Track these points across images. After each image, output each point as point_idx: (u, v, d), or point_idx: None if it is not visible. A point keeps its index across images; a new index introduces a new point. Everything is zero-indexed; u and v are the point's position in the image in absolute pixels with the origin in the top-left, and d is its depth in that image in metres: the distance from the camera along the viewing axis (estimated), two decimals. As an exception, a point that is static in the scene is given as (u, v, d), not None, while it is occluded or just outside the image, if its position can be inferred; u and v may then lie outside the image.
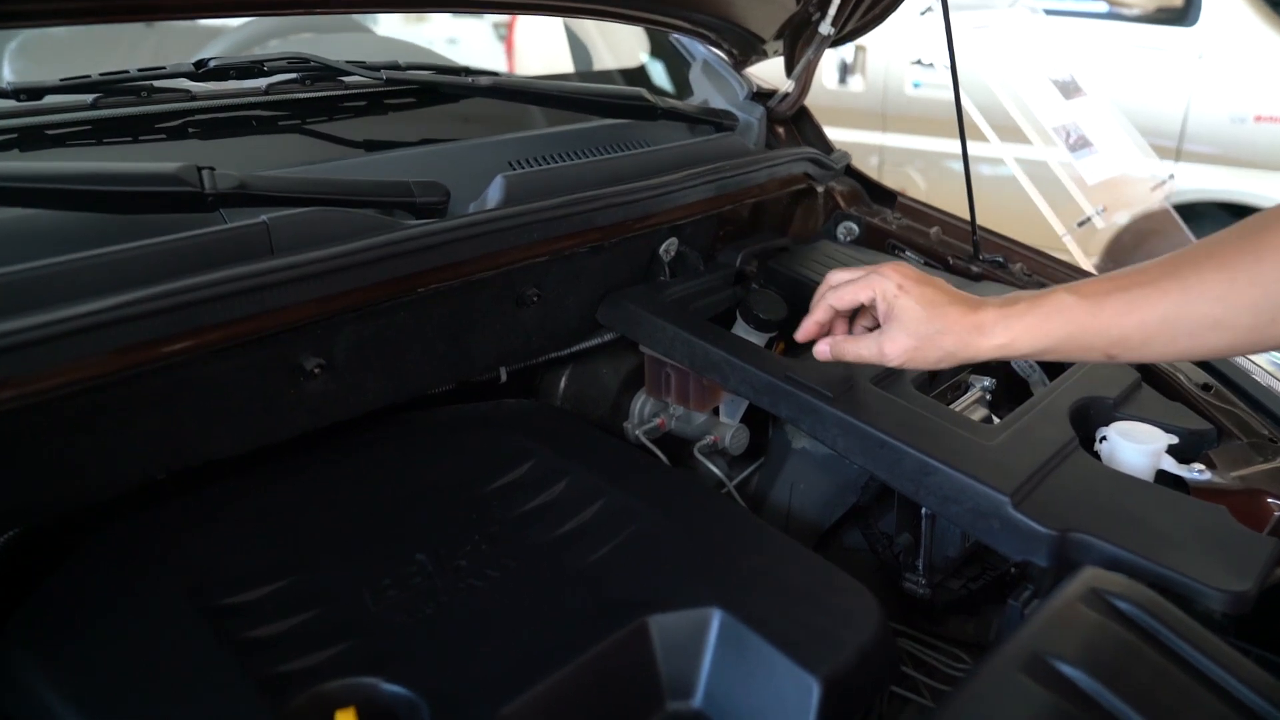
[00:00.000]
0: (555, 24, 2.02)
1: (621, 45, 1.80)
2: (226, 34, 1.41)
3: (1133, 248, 2.54)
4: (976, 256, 1.20)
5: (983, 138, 1.90)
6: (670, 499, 0.73)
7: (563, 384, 1.01)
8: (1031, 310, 0.68)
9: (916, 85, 3.51)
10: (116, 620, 0.58)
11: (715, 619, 0.60)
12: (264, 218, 0.69)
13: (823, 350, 0.77)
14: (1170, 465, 0.81)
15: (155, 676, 0.54)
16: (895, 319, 0.71)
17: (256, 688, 0.53)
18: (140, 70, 0.84)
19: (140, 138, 0.85)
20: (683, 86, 1.43)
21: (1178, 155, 2.96)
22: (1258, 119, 2.91)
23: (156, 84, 0.85)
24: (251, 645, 0.57)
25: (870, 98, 3.61)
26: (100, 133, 0.82)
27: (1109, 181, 1.98)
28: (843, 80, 3.70)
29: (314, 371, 0.73)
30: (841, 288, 0.75)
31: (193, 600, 0.60)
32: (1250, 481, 0.81)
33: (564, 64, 1.95)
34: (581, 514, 0.70)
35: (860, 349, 0.74)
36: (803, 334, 0.79)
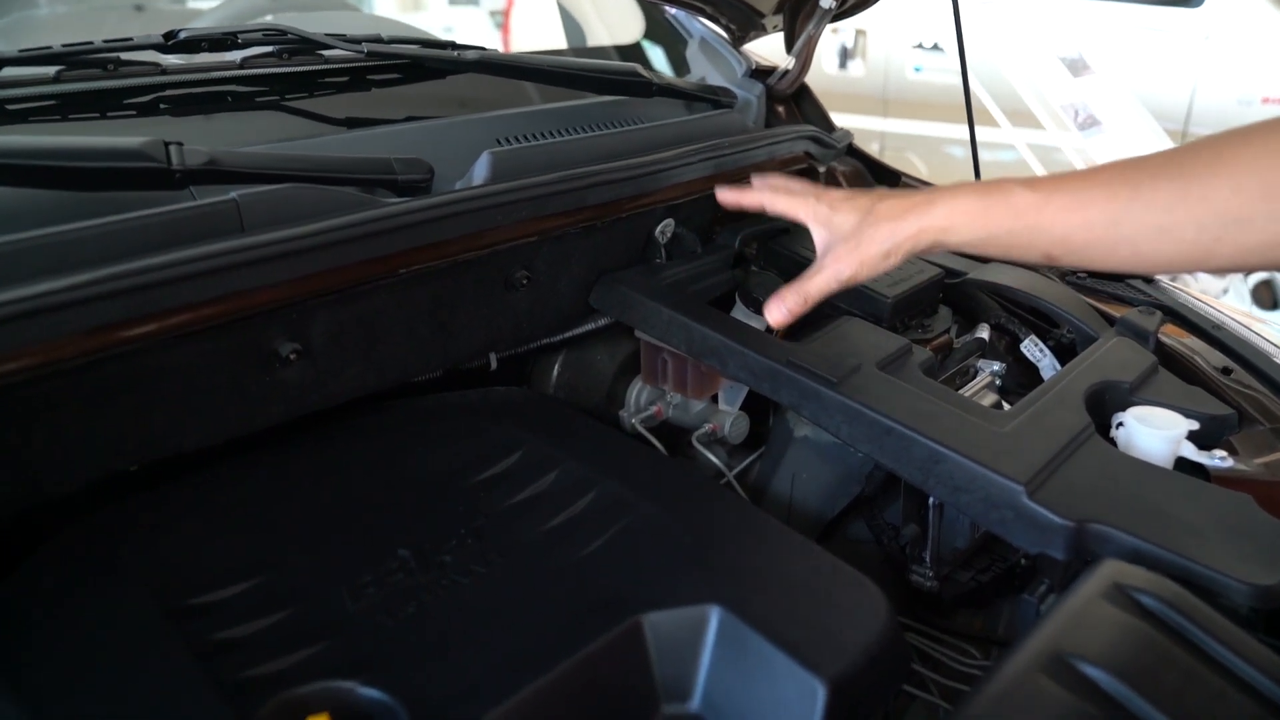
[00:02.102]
0: (552, 11, 1.98)
1: (621, 36, 1.76)
2: (207, 14, 1.37)
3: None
4: (984, 238, 1.16)
5: (990, 122, 1.86)
6: (666, 490, 0.69)
7: (555, 371, 0.97)
8: (975, 194, 0.65)
9: (918, 70, 3.47)
10: (74, 623, 0.55)
11: (714, 617, 0.56)
12: (234, 194, 0.65)
13: (780, 312, 0.75)
14: (1190, 452, 0.78)
15: (114, 683, 0.51)
16: (834, 232, 0.72)
17: (222, 693, 0.50)
18: (106, 41, 0.80)
19: (108, 114, 0.81)
20: (679, 67, 1.39)
21: (1184, 137, 2.92)
22: (1264, 101, 2.87)
23: (124, 56, 0.81)
24: (219, 648, 0.53)
25: (871, 83, 3.57)
26: (65, 108, 0.78)
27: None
28: (843, 65, 3.66)
29: (289, 357, 0.70)
30: (781, 192, 0.76)
31: (157, 601, 0.56)
32: (1275, 468, 0.77)
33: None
34: (573, 507, 0.67)
35: (811, 283, 0.73)
36: (723, 194, 0.78)
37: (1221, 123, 2.96)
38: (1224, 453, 0.79)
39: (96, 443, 0.63)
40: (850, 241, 0.70)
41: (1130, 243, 0.60)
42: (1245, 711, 0.50)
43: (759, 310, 0.94)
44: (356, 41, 0.93)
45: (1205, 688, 0.51)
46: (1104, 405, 0.84)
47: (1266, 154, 0.56)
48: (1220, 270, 0.62)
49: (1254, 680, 0.52)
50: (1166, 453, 0.77)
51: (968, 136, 1.20)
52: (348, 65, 0.97)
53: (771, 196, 0.75)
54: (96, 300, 0.55)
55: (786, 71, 1.23)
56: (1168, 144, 2.36)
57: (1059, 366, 0.97)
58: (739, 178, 1.03)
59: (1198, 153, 0.59)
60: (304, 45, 0.92)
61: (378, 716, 0.50)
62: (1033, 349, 1.00)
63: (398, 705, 0.50)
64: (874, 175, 1.28)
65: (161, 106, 0.84)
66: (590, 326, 0.97)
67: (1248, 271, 0.62)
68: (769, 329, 0.95)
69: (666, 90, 1.09)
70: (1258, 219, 0.55)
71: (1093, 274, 1.12)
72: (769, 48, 1.30)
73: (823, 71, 3.57)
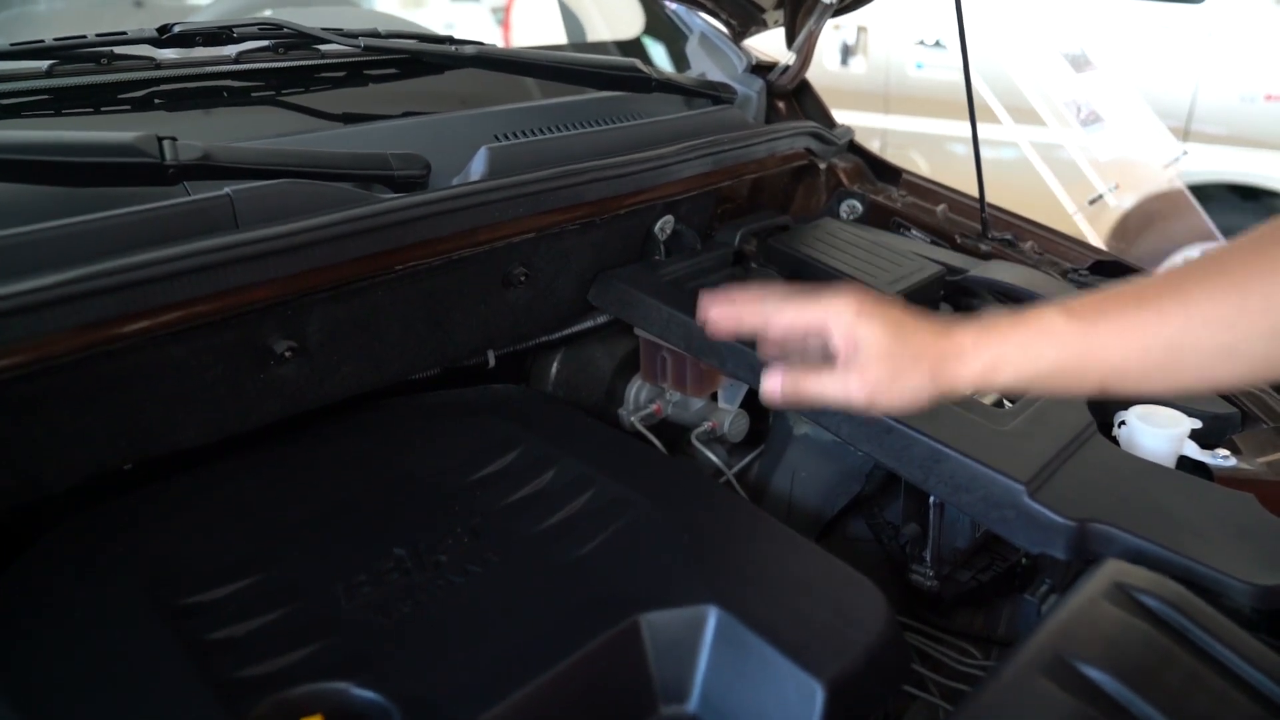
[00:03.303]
0: (553, 8, 1.96)
1: (621, 32, 1.75)
2: (204, 9, 1.36)
3: (1142, 229, 2.49)
4: (985, 234, 1.15)
5: (992, 119, 1.85)
6: (665, 489, 0.69)
7: (554, 369, 0.97)
8: (1015, 331, 0.57)
9: (919, 66, 3.45)
10: (68, 622, 0.54)
11: (711, 617, 0.56)
12: (227, 190, 0.65)
13: (773, 389, 0.61)
14: (1193, 451, 0.77)
15: (107, 683, 0.50)
16: (859, 349, 0.58)
17: (216, 694, 0.49)
18: (100, 35, 0.79)
19: (102, 109, 0.80)
20: (680, 62, 1.38)
21: (1186, 135, 2.91)
22: (1268, 98, 2.85)
23: (117, 50, 0.80)
24: (213, 648, 0.53)
25: (872, 79, 3.56)
26: (59, 103, 0.78)
27: (1120, 159, 1.94)
28: (844, 61, 3.64)
29: (285, 355, 0.69)
30: (785, 308, 0.60)
31: (152, 599, 0.56)
32: (1279, 468, 0.77)
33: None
34: (570, 505, 0.66)
35: (823, 387, 0.59)
36: (713, 314, 0.62)
37: (1224, 120, 2.94)
38: (1227, 452, 0.78)
39: (90, 440, 0.62)
40: (880, 369, 0.58)
41: (1196, 366, 0.54)
42: (1247, 713, 0.49)
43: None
44: (353, 36, 0.93)
45: (1207, 689, 0.50)
46: (1106, 403, 0.84)
47: None
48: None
49: (1256, 681, 0.51)
50: (1169, 452, 0.77)
51: (969, 134, 1.19)
52: (344, 60, 0.96)
53: (776, 310, 0.60)
54: (89, 296, 0.54)
55: (787, 67, 1.22)
56: (1171, 140, 2.34)
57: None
58: (739, 174, 1.02)
59: (1249, 256, 0.53)
60: (300, 40, 0.91)
61: (372, 717, 0.50)
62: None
63: (392, 706, 0.49)
64: (875, 172, 1.28)
65: (156, 101, 0.83)
66: (589, 324, 0.96)
67: None
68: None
69: (666, 86, 1.08)
70: None
71: (1094, 271, 1.11)
72: (770, 43, 1.29)
73: (824, 68, 3.56)
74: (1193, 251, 2.74)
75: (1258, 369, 0.53)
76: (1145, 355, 0.55)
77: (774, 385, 0.61)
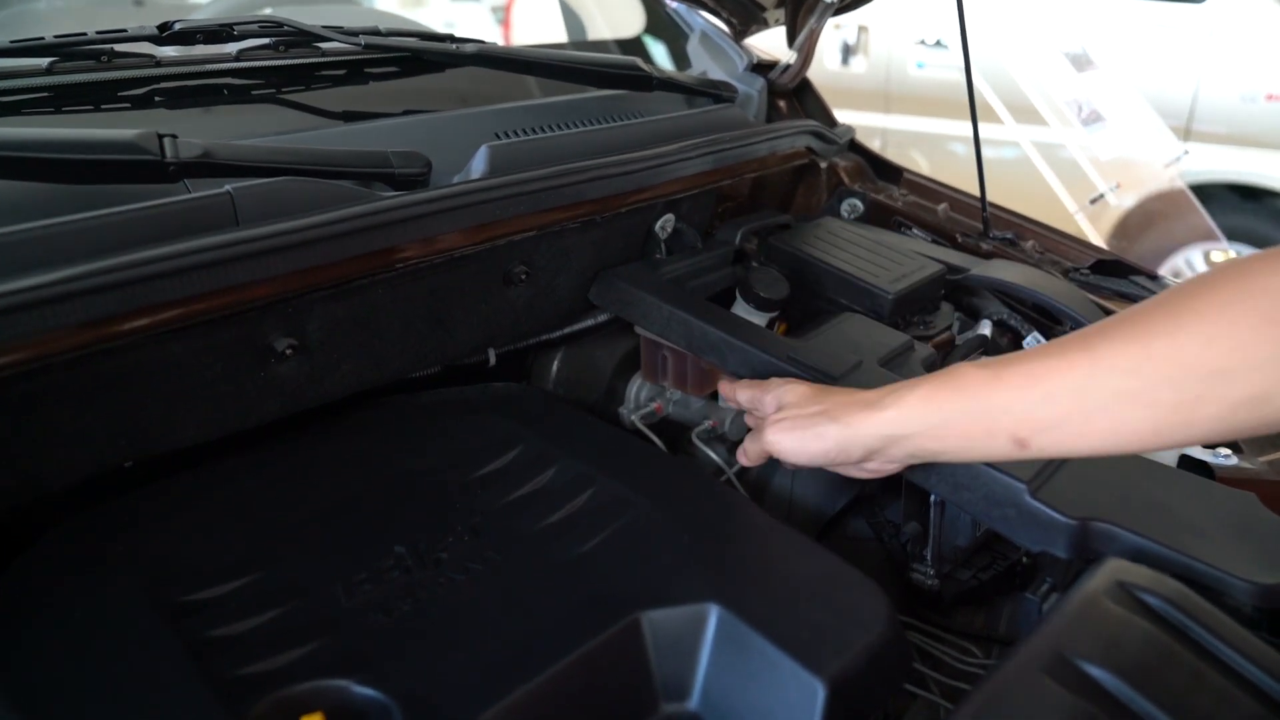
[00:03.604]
0: (553, 7, 1.96)
1: (622, 31, 1.75)
2: (204, 7, 1.36)
3: (1143, 228, 2.49)
4: (986, 233, 1.15)
5: (994, 119, 1.85)
6: (665, 488, 0.69)
7: (555, 367, 0.96)
8: (926, 382, 0.62)
9: (920, 66, 3.45)
10: (68, 620, 0.54)
11: (713, 616, 0.55)
12: (228, 187, 0.64)
13: (740, 455, 0.74)
14: (1194, 450, 0.77)
15: (106, 681, 0.50)
16: (781, 405, 0.69)
17: (215, 692, 0.49)
18: (99, 33, 0.79)
19: (102, 106, 0.80)
20: (680, 61, 1.38)
21: (1187, 135, 2.91)
22: (1269, 98, 2.85)
23: (118, 48, 0.80)
24: (213, 645, 0.53)
25: (873, 79, 3.56)
26: (58, 100, 0.78)
27: (1121, 159, 1.93)
28: (845, 61, 3.64)
29: (285, 353, 0.69)
30: (740, 384, 0.76)
31: (151, 597, 0.55)
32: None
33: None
34: (571, 504, 0.66)
35: (746, 449, 0.72)
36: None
37: (1225, 120, 2.94)
38: (1228, 450, 0.78)
39: (90, 438, 0.62)
40: (795, 420, 0.67)
41: (1104, 412, 0.54)
42: (1249, 712, 0.49)
43: (760, 306, 0.93)
44: (354, 34, 0.93)
45: (1209, 687, 0.50)
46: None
47: (1237, 300, 0.50)
48: (1213, 439, 0.55)
49: (1258, 680, 0.51)
50: (1170, 450, 0.77)
51: (970, 133, 1.19)
52: (345, 58, 0.96)
53: (730, 386, 0.77)
54: (88, 294, 0.54)
55: (788, 66, 1.22)
56: (1172, 140, 2.33)
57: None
58: (740, 172, 1.02)
59: (1157, 308, 0.54)
60: (301, 38, 0.91)
61: (373, 715, 0.50)
62: (1035, 345, 0.99)
63: (393, 704, 0.49)
64: (876, 171, 1.28)
65: (156, 99, 0.83)
66: (590, 322, 0.96)
67: (1242, 438, 0.54)
68: (769, 325, 0.95)
69: (667, 84, 1.08)
70: (1239, 370, 0.50)
71: (1095, 270, 1.11)
72: (771, 42, 1.29)
73: (824, 68, 3.55)
74: (1194, 251, 2.74)
75: (1170, 420, 0.53)
76: (1051, 403, 0.56)
77: (741, 454, 0.73)
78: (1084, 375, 0.54)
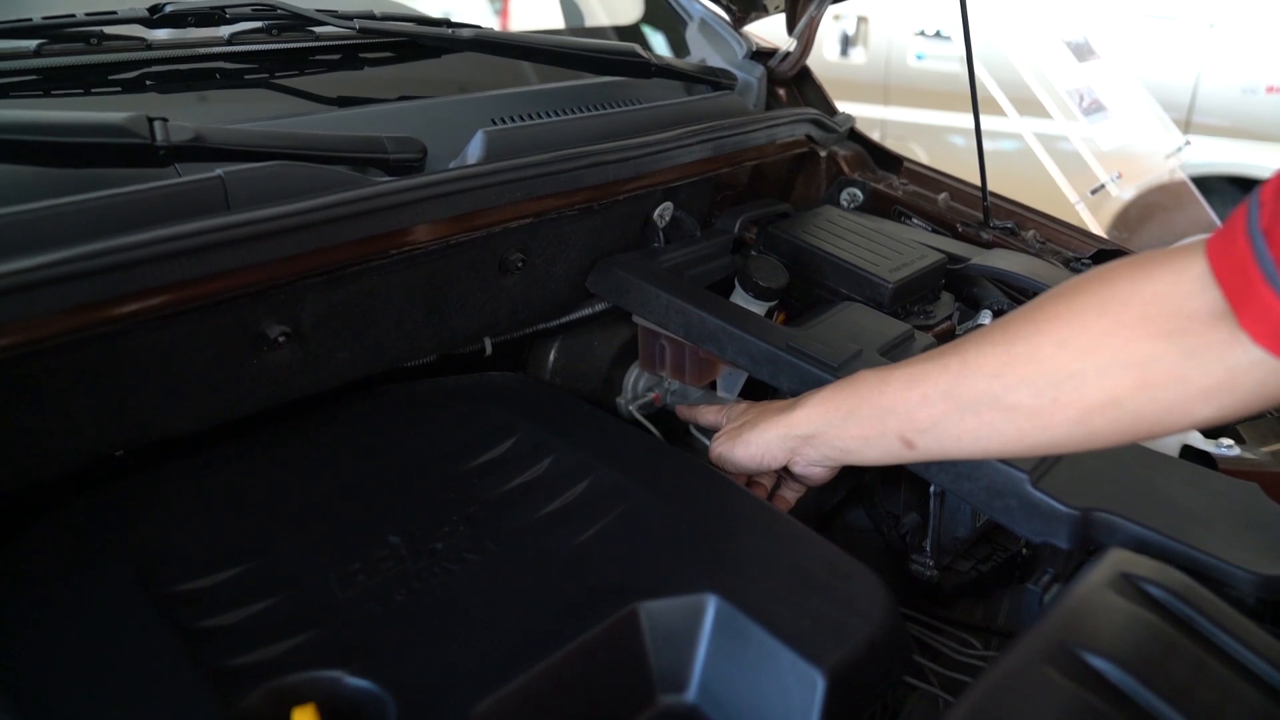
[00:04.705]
0: None
1: (620, 18, 1.73)
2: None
3: (1143, 219, 2.48)
4: (987, 223, 1.14)
5: (995, 110, 1.83)
6: (663, 477, 0.68)
7: (551, 357, 0.95)
8: (831, 386, 0.68)
9: (920, 57, 3.43)
10: (58, 609, 0.53)
11: (711, 606, 0.55)
12: (219, 171, 0.63)
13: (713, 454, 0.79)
14: (1196, 440, 0.77)
15: (97, 671, 0.49)
16: (728, 421, 0.77)
17: (207, 682, 0.48)
18: (88, 14, 0.77)
19: (92, 90, 0.78)
20: (679, 49, 1.36)
21: (1187, 127, 2.89)
22: (1269, 90, 2.84)
23: (108, 30, 0.79)
24: (205, 636, 0.52)
25: (872, 70, 3.54)
26: (47, 83, 0.76)
27: (1122, 149, 1.92)
28: (844, 52, 3.62)
29: (278, 340, 0.68)
30: (699, 409, 0.86)
31: (143, 587, 0.55)
32: (1282, 457, 0.76)
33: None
34: (568, 494, 0.65)
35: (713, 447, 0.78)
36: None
37: (1225, 112, 2.93)
38: (1230, 441, 0.77)
39: (80, 426, 0.61)
40: (728, 428, 0.76)
41: (973, 416, 0.57)
42: (1253, 703, 0.49)
43: (759, 295, 0.92)
44: (348, 18, 0.91)
45: (1212, 678, 0.50)
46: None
47: (1093, 305, 0.52)
48: (1077, 446, 0.57)
49: (1261, 671, 0.51)
50: (1172, 441, 0.76)
51: (970, 125, 1.18)
52: (340, 43, 0.95)
53: (687, 409, 0.87)
54: (77, 278, 0.53)
55: (788, 54, 1.21)
56: (1173, 131, 2.32)
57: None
58: (739, 160, 1.01)
59: (1023, 314, 0.57)
60: (294, 21, 0.90)
61: (366, 707, 0.49)
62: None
63: (386, 695, 0.49)
64: (876, 160, 1.27)
65: (147, 83, 0.82)
66: (587, 311, 0.95)
67: (1105, 447, 0.56)
68: (768, 314, 0.94)
69: (665, 71, 1.07)
70: (1090, 374, 0.52)
71: (1097, 260, 1.10)
72: (770, 30, 1.27)
73: (823, 59, 3.53)
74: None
75: (1029, 424, 0.55)
76: (928, 405, 0.59)
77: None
78: (954, 378, 0.58)
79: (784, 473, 0.76)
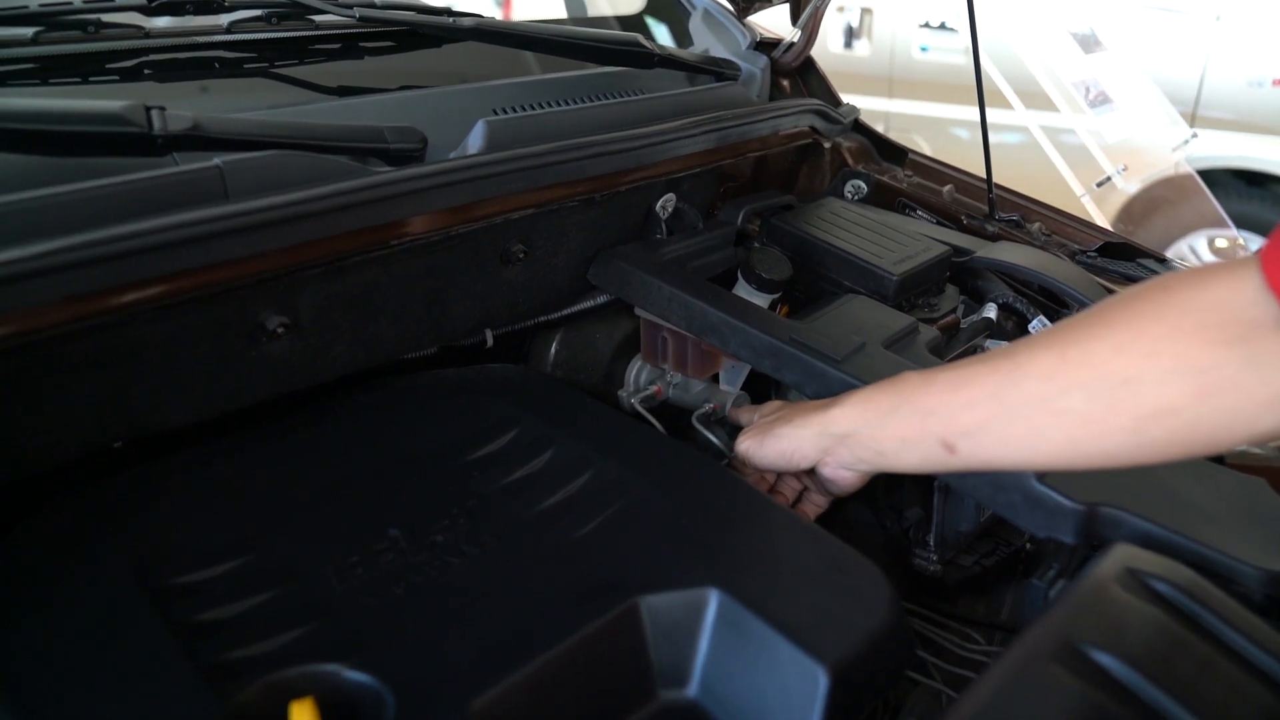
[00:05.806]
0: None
1: (623, 8, 1.72)
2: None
3: (1149, 213, 2.46)
4: (992, 215, 1.13)
5: (1001, 103, 1.82)
6: (665, 471, 0.67)
7: (553, 349, 0.95)
8: (873, 385, 0.66)
9: (924, 49, 3.41)
10: (53, 602, 0.53)
11: (712, 600, 0.54)
12: (217, 161, 0.63)
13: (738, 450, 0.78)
14: (1203, 435, 0.76)
15: (92, 664, 0.49)
16: (762, 413, 0.76)
17: (203, 676, 0.48)
18: (86, 2, 0.77)
19: (90, 78, 0.78)
20: (682, 40, 1.35)
21: (1193, 120, 2.88)
22: (1276, 83, 2.82)
23: (105, 18, 0.78)
24: (202, 629, 0.52)
25: (876, 62, 3.52)
26: (44, 72, 0.76)
27: (1128, 142, 1.91)
28: (848, 44, 3.60)
29: (277, 331, 0.67)
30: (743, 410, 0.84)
31: (140, 580, 0.54)
32: (1290, 452, 0.75)
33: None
34: (568, 487, 0.65)
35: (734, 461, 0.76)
36: None
37: (1231, 105, 2.92)
38: (1237, 436, 0.76)
39: (77, 417, 0.61)
40: (760, 426, 0.73)
41: (1021, 420, 0.56)
42: (1260, 700, 0.48)
43: (762, 287, 0.92)
44: (349, 6, 0.90)
45: (1220, 675, 0.49)
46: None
47: (1151, 311, 0.51)
48: (1129, 457, 0.55)
49: (1269, 668, 0.50)
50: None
51: (975, 118, 1.17)
52: (340, 31, 0.94)
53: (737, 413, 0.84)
54: (73, 267, 0.52)
55: (792, 44, 1.20)
56: (1179, 124, 2.31)
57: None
58: (742, 151, 1.00)
59: (1080, 319, 0.56)
60: (294, 9, 0.89)
61: (364, 701, 0.49)
62: (1041, 329, 0.98)
63: (385, 689, 0.48)
64: (880, 152, 1.26)
65: (145, 72, 0.81)
66: (589, 303, 0.95)
67: (1162, 461, 0.56)
68: (772, 306, 0.93)
69: (668, 61, 1.06)
70: (1147, 379, 0.51)
71: (1103, 253, 1.09)
72: (774, 20, 1.26)
73: (827, 51, 3.52)
74: (1200, 237, 2.72)
75: (1082, 431, 0.54)
76: (974, 408, 0.58)
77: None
78: (1003, 380, 0.57)
79: (808, 480, 0.75)
